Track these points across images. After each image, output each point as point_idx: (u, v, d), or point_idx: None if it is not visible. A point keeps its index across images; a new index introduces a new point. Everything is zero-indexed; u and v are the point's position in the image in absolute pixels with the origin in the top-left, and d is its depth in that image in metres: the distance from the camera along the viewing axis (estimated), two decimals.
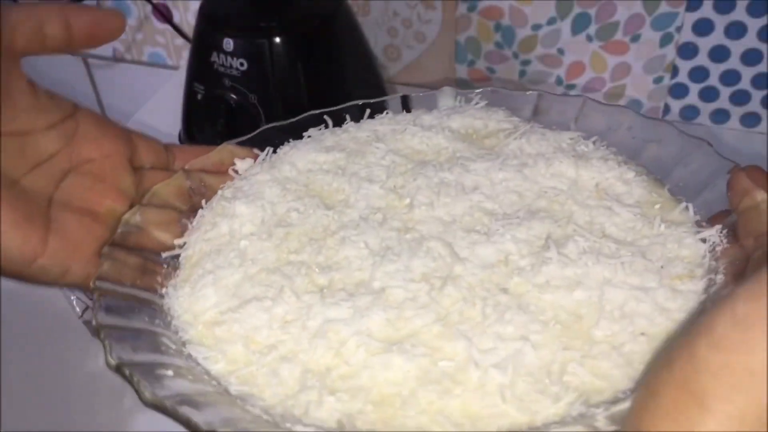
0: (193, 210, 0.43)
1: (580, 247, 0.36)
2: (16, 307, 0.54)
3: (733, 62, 0.69)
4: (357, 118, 0.50)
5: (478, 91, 0.52)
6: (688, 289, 0.35)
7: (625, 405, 0.28)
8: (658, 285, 0.35)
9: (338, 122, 0.50)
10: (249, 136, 0.48)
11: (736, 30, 0.67)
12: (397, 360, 0.31)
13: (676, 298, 0.34)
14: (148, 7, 0.85)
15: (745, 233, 0.36)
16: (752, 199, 0.35)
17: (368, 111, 0.51)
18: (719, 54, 0.69)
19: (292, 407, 0.30)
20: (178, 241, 0.41)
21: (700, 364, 0.20)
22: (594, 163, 0.43)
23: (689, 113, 0.75)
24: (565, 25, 0.72)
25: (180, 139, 0.68)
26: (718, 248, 0.37)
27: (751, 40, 0.67)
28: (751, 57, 0.68)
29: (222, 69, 0.58)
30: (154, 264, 0.39)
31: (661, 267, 0.36)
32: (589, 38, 0.72)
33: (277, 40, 0.56)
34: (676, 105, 0.75)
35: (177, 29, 0.76)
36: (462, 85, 0.79)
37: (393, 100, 0.52)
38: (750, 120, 0.73)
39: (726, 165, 0.40)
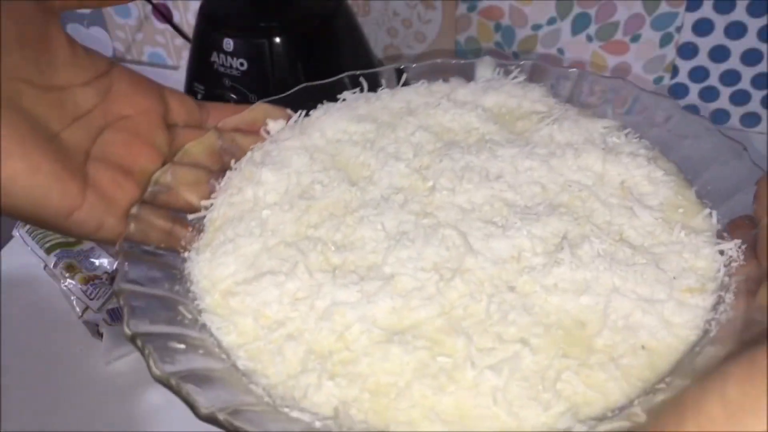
0: (222, 170, 0.44)
1: (594, 250, 0.37)
2: (16, 307, 0.55)
3: (733, 62, 0.68)
4: (392, 82, 0.50)
5: (519, 63, 0.51)
6: (696, 304, 0.35)
7: (609, 426, 0.29)
8: (666, 297, 0.35)
9: (374, 85, 0.50)
10: (284, 95, 0.48)
11: (736, 30, 0.66)
12: (396, 351, 0.32)
13: (683, 313, 0.34)
14: (148, 7, 0.85)
15: (764, 252, 0.35)
16: None
17: (404, 76, 0.51)
18: (719, 54, 0.68)
19: (293, 388, 0.31)
20: (204, 203, 0.42)
21: None
22: (623, 159, 0.42)
23: None
24: (565, 25, 0.71)
25: None
26: (734, 264, 0.36)
27: (751, 40, 0.66)
28: (751, 57, 0.67)
29: (222, 69, 0.58)
30: (180, 225, 0.40)
31: (673, 278, 0.36)
32: (589, 38, 0.71)
33: (277, 40, 0.56)
34: None
35: (177, 29, 0.75)
36: None
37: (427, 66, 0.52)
38: (750, 120, 0.72)
39: (757, 173, 0.40)
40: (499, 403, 0.30)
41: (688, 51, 0.69)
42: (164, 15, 0.78)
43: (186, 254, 0.39)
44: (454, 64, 0.52)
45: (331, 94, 0.50)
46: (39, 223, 0.36)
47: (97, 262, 0.55)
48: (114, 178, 0.39)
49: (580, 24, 0.70)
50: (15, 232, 0.58)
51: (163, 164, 0.41)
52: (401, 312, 0.34)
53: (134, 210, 0.38)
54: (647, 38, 0.69)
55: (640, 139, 0.45)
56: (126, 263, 0.35)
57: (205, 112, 0.46)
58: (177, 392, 0.29)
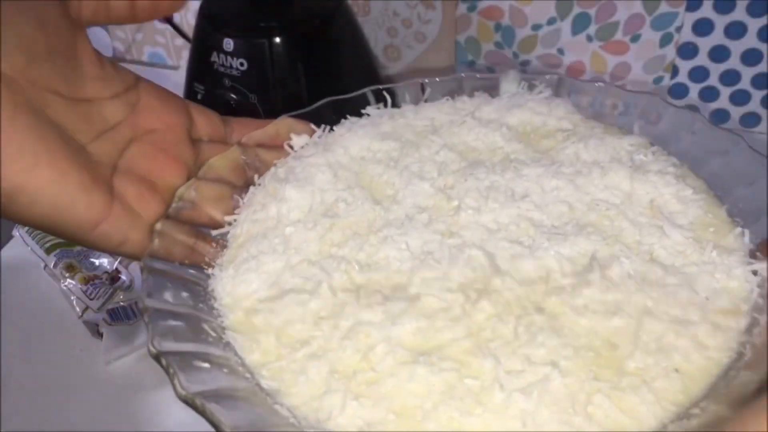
0: (246, 185, 0.44)
1: (624, 270, 0.36)
2: (16, 307, 0.55)
3: (733, 62, 0.69)
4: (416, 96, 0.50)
5: (544, 77, 0.51)
6: (729, 326, 0.34)
7: None
8: (700, 320, 0.34)
9: (396, 98, 0.50)
10: (308, 109, 0.48)
11: (736, 30, 0.66)
12: (422, 372, 0.32)
13: (716, 336, 0.34)
14: None
15: None
16: None
17: (428, 91, 0.51)
18: (719, 54, 0.69)
19: (317, 409, 0.31)
20: (228, 218, 0.42)
21: None
22: (651, 177, 0.42)
23: None
24: (565, 25, 0.71)
25: None
26: None
27: (751, 40, 0.66)
28: (751, 57, 0.67)
29: (222, 69, 0.58)
30: (203, 241, 0.40)
31: (706, 299, 0.35)
32: (589, 38, 0.71)
33: (277, 40, 0.56)
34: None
35: (177, 29, 0.76)
36: None
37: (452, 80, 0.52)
38: (750, 120, 0.72)
39: None
40: (529, 427, 0.30)
41: (688, 51, 0.69)
42: None
43: (210, 271, 0.39)
44: (478, 78, 0.51)
45: (354, 109, 0.49)
46: (64, 234, 0.36)
47: (97, 262, 0.55)
48: (140, 192, 0.38)
49: (580, 24, 0.70)
50: (15, 232, 0.58)
51: (188, 179, 0.41)
52: (426, 333, 0.33)
53: (158, 226, 0.38)
54: (647, 38, 0.69)
55: (668, 155, 0.44)
56: (151, 280, 0.35)
57: (228, 127, 0.46)
58: (201, 413, 0.28)
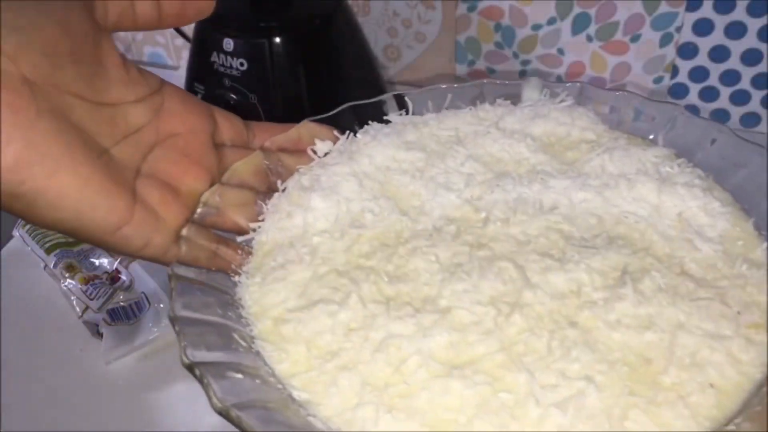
0: (269, 190, 0.44)
1: (656, 284, 0.36)
2: (16, 307, 0.54)
3: (733, 62, 0.68)
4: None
5: (566, 85, 0.51)
6: (762, 341, 0.34)
7: None
8: (733, 334, 0.34)
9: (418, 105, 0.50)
10: (329, 114, 0.48)
11: (736, 30, 0.66)
12: (456, 385, 0.31)
13: (750, 350, 0.33)
14: None
15: None
16: None
17: (449, 96, 0.51)
18: (719, 54, 0.68)
19: (350, 422, 0.31)
20: (253, 225, 0.42)
21: None
22: (678, 190, 0.41)
23: None
24: (565, 25, 0.71)
25: None
26: None
27: (751, 40, 0.66)
28: (751, 57, 0.67)
29: (222, 69, 0.57)
30: (226, 247, 0.40)
31: (738, 313, 0.35)
32: (589, 38, 0.71)
33: (277, 40, 0.56)
34: None
35: (177, 29, 0.76)
36: None
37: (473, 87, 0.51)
38: (750, 120, 0.71)
39: None
40: None
41: (688, 51, 0.69)
42: None
43: (236, 278, 0.39)
44: (499, 84, 0.51)
45: (376, 114, 0.49)
46: (86, 237, 0.36)
47: (97, 262, 0.55)
48: (162, 196, 0.38)
49: (580, 24, 0.70)
50: (15, 232, 0.58)
51: (211, 184, 0.41)
52: (459, 346, 0.33)
53: (185, 232, 0.38)
54: (647, 38, 0.69)
55: (693, 167, 0.44)
56: (179, 287, 0.35)
57: (251, 132, 0.46)
58: (237, 425, 0.28)
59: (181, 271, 0.36)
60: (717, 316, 0.34)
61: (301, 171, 0.45)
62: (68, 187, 0.33)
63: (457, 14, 0.73)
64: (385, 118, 0.49)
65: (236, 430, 0.28)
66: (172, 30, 0.77)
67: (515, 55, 0.74)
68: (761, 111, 0.70)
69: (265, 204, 0.43)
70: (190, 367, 0.30)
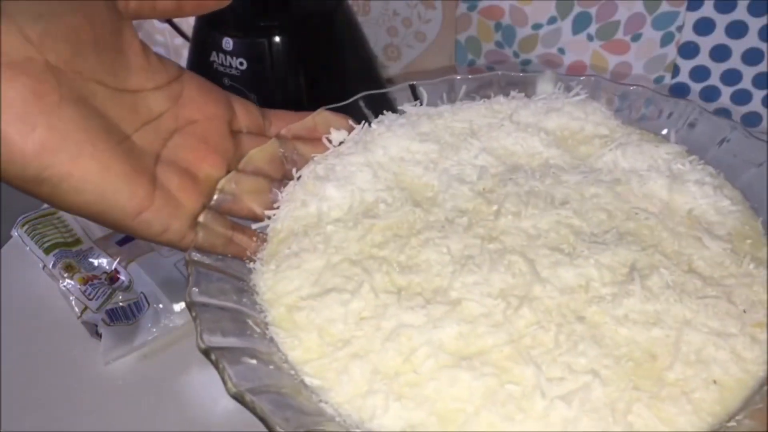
0: (284, 178, 0.45)
1: (664, 281, 0.36)
2: (14, 307, 0.55)
3: (734, 62, 0.68)
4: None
5: (580, 78, 0.51)
6: (765, 339, 0.34)
7: None
8: (738, 332, 0.34)
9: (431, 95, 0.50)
10: (344, 102, 0.49)
11: (737, 29, 0.66)
12: (464, 376, 0.32)
13: (754, 348, 0.34)
14: None
15: None
16: None
17: (464, 88, 0.51)
18: (720, 53, 0.68)
19: (360, 408, 0.31)
20: (268, 212, 0.42)
21: None
22: (689, 187, 0.42)
23: None
24: (566, 25, 0.71)
25: None
26: None
27: (752, 40, 0.66)
28: (752, 56, 0.67)
29: (222, 68, 0.58)
30: (244, 234, 0.41)
31: (744, 311, 0.35)
32: (590, 38, 0.71)
33: (277, 39, 0.56)
34: None
35: (176, 29, 0.75)
36: None
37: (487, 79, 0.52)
38: (751, 119, 0.71)
39: None
40: None
41: (689, 50, 0.69)
42: None
43: (251, 264, 0.39)
44: (513, 76, 0.52)
45: (391, 104, 0.50)
46: (106, 223, 0.37)
47: (95, 262, 0.55)
48: (181, 182, 0.39)
49: (580, 23, 0.70)
50: (14, 232, 0.58)
51: (227, 171, 0.42)
52: (468, 338, 0.34)
53: (202, 218, 0.39)
54: (648, 37, 0.69)
55: (704, 165, 0.45)
56: (196, 274, 0.36)
57: (267, 120, 0.46)
58: (251, 409, 0.29)
59: (198, 257, 0.37)
60: (723, 314, 0.35)
61: (316, 160, 0.45)
62: (91, 172, 0.34)
63: (458, 13, 0.73)
64: (399, 108, 0.49)
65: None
66: (171, 29, 0.77)
67: (515, 55, 0.74)
68: (762, 110, 0.70)
69: (280, 192, 0.44)
70: (206, 352, 0.31)
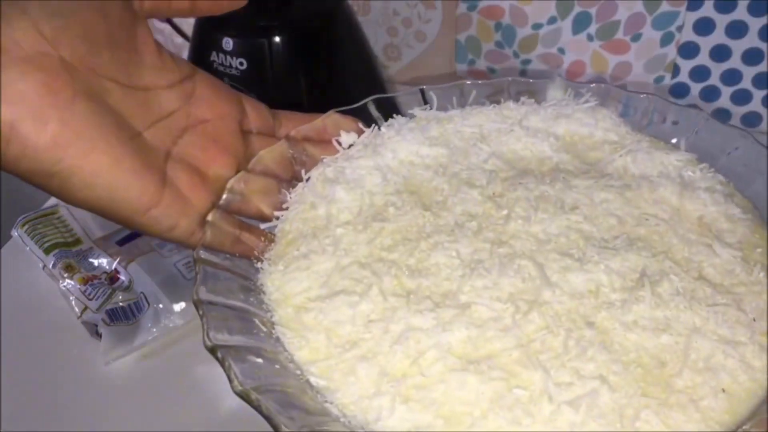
0: (292, 179, 0.45)
1: (674, 288, 0.36)
2: (14, 307, 0.55)
3: (734, 62, 0.68)
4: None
5: (590, 86, 0.51)
6: None
7: None
8: (748, 340, 0.34)
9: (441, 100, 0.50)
10: (353, 106, 0.49)
11: (737, 29, 0.65)
12: (472, 380, 0.32)
13: (763, 357, 0.34)
14: None
15: None
16: None
17: (473, 93, 0.51)
18: (720, 53, 0.68)
19: (366, 410, 0.31)
20: (277, 213, 0.42)
21: None
22: (700, 194, 0.42)
23: None
24: (566, 25, 0.70)
25: None
26: None
27: (752, 40, 0.66)
28: (752, 56, 0.67)
29: (222, 68, 0.58)
30: (251, 234, 0.41)
31: (753, 319, 0.35)
32: (590, 37, 0.70)
33: (277, 39, 0.56)
34: None
35: (176, 28, 0.75)
36: None
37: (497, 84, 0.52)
38: (751, 119, 0.71)
39: None
40: None
41: (689, 50, 0.68)
42: None
43: (258, 264, 0.39)
44: (523, 82, 0.52)
45: (400, 107, 0.50)
46: (115, 218, 0.37)
47: (95, 262, 0.55)
48: (191, 180, 0.39)
49: (580, 23, 0.70)
50: (14, 232, 0.58)
51: (237, 171, 0.42)
52: (476, 341, 0.34)
53: (210, 217, 0.39)
54: (648, 37, 0.69)
55: (714, 173, 0.44)
56: (204, 272, 0.36)
57: (277, 121, 0.46)
58: (257, 408, 0.29)
59: (206, 255, 0.37)
60: (733, 321, 0.35)
61: (326, 162, 0.45)
62: (102, 167, 0.34)
63: (458, 13, 0.73)
64: (409, 112, 0.49)
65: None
66: (171, 29, 0.77)
67: (515, 55, 0.74)
68: (762, 110, 0.70)
69: (289, 193, 0.44)
70: (213, 350, 0.31)
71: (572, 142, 0.47)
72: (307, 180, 0.44)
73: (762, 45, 0.66)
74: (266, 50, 0.56)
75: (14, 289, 0.56)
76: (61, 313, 0.53)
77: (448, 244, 0.38)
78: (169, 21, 0.76)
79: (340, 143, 0.47)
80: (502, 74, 0.77)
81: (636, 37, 0.69)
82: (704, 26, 0.66)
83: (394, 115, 0.49)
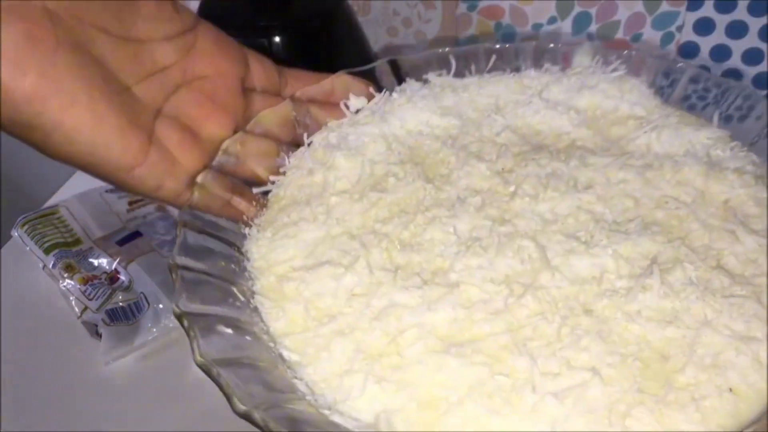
0: (293, 142, 0.43)
1: (687, 276, 0.33)
2: (14, 307, 0.54)
3: (734, 62, 0.68)
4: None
5: (622, 52, 0.47)
6: None
7: None
8: (764, 337, 0.31)
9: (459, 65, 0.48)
10: (368, 66, 0.47)
11: (737, 29, 0.65)
12: (452, 363, 0.30)
13: None
14: None
15: None
16: None
17: (493, 58, 0.48)
18: (720, 53, 0.67)
19: (336, 389, 0.30)
20: (273, 178, 0.41)
21: None
22: (728, 176, 0.38)
23: None
24: (566, 25, 0.70)
25: None
26: None
27: (752, 40, 0.65)
28: (752, 56, 0.66)
29: None
30: (243, 198, 0.39)
31: None
32: (590, 37, 0.70)
33: (277, 39, 0.55)
34: None
35: None
36: None
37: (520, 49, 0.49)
38: None
39: None
40: None
41: (689, 50, 0.68)
42: None
43: (247, 230, 0.38)
44: (547, 46, 0.48)
45: (416, 71, 0.47)
46: (99, 176, 0.36)
47: (95, 262, 0.54)
48: (181, 139, 0.38)
49: (580, 23, 0.69)
50: (14, 232, 0.57)
51: (235, 131, 0.40)
52: (463, 323, 0.32)
53: (200, 178, 0.37)
54: (648, 37, 0.68)
55: (747, 152, 0.41)
56: (185, 235, 0.34)
57: (283, 79, 0.44)
58: (216, 382, 0.27)
59: (189, 217, 0.35)
60: (750, 315, 0.32)
61: (330, 126, 0.43)
62: (83, 123, 0.33)
63: (458, 13, 0.72)
64: (424, 77, 0.47)
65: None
66: None
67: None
68: None
69: (288, 157, 0.42)
70: (180, 317, 0.30)
71: (594, 116, 0.44)
72: (309, 144, 0.42)
73: (762, 45, 0.65)
74: (266, 51, 0.55)
75: (14, 289, 0.56)
76: (61, 313, 0.52)
77: (446, 219, 0.36)
78: None
79: (348, 107, 0.45)
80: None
81: (636, 37, 0.69)
82: (704, 26, 0.66)
83: (407, 80, 0.46)
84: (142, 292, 0.51)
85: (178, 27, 0.39)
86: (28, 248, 0.56)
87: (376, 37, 0.77)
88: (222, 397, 0.44)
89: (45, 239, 0.56)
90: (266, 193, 0.40)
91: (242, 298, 0.33)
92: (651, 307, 0.32)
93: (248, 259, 0.36)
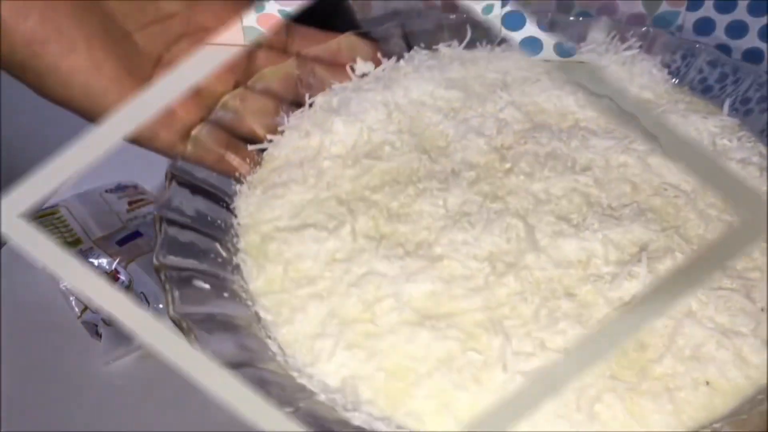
0: (295, 101, 0.42)
1: (675, 266, 0.32)
2: (14, 307, 0.54)
3: None
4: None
5: (639, 29, 0.46)
6: None
7: None
8: (749, 332, 0.31)
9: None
10: (378, 28, 0.46)
11: (737, 29, 0.63)
12: (424, 335, 0.30)
13: (762, 353, 0.30)
14: None
15: None
16: None
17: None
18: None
19: (306, 352, 0.30)
20: (270, 137, 0.40)
21: None
22: (732, 166, 0.37)
23: None
24: None
25: None
26: None
27: (752, 40, 0.63)
28: (752, 56, 0.64)
29: None
30: (238, 154, 0.39)
31: (761, 309, 0.31)
32: None
33: None
34: None
35: None
36: None
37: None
38: None
39: None
40: None
41: None
42: None
43: (237, 187, 0.38)
44: (562, 20, 0.47)
45: (426, 38, 0.47)
46: (93, 121, 0.36)
47: (95, 262, 0.53)
48: None
49: None
50: None
51: (235, 86, 0.40)
52: (440, 298, 0.31)
53: (195, 131, 0.37)
54: None
55: (755, 142, 0.40)
56: (174, 188, 0.34)
57: (290, 36, 0.43)
58: (187, 335, 0.27)
59: (181, 171, 0.35)
60: (736, 309, 0.31)
61: (333, 89, 0.43)
62: (80, 70, 0.33)
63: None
64: (434, 47, 0.46)
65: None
66: None
67: None
68: None
69: (287, 116, 0.41)
70: (158, 269, 0.30)
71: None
72: (310, 105, 0.42)
73: (762, 45, 0.63)
74: None
75: (14, 289, 0.56)
76: (61, 313, 0.52)
77: (437, 192, 0.36)
78: None
79: (353, 70, 0.44)
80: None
81: None
82: (704, 26, 0.64)
83: (416, 48, 0.46)
84: (142, 292, 0.51)
85: None
86: None
87: None
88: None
89: None
90: (262, 150, 0.40)
91: (224, 255, 0.33)
92: (634, 295, 0.31)
93: (236, 216, 0.36)
